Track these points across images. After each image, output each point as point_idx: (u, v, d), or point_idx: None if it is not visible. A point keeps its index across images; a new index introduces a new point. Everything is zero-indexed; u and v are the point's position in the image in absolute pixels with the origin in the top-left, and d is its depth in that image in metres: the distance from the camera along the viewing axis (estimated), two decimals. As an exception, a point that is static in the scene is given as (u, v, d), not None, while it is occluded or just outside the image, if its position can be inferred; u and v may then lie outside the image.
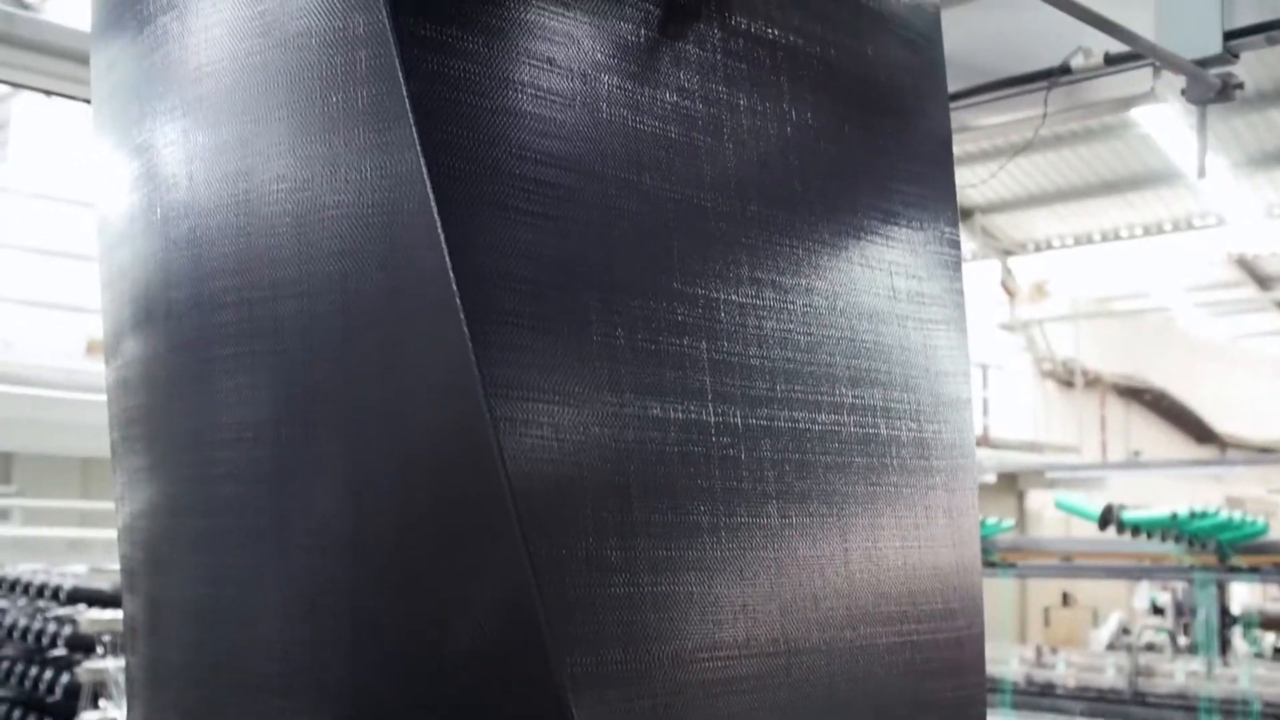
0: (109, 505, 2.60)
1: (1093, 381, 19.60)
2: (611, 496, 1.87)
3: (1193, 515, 8.66)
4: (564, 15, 1.98)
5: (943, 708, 2.35)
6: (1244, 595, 14.37)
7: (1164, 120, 12.57)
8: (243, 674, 2.10)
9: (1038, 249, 17.83)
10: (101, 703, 6.15)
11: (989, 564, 9.41)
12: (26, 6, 10.59)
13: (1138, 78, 4.29)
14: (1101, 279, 19.48)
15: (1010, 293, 18.29)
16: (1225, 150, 13.70)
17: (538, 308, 1.84)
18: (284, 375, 2.00)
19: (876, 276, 2.36)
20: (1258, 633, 11.74)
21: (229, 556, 2.10)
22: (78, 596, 6.71)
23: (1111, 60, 4.17)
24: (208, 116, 2.09)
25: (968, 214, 16.29)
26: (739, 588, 2.01)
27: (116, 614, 6.31)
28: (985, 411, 16.79)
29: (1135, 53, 3.91)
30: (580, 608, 1.80)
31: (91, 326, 9.89)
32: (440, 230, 1.77)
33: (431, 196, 1.78)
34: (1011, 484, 17.35)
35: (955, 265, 2.53)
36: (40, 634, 6.46)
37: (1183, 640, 12.28)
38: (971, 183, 11.48)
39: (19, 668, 6.48)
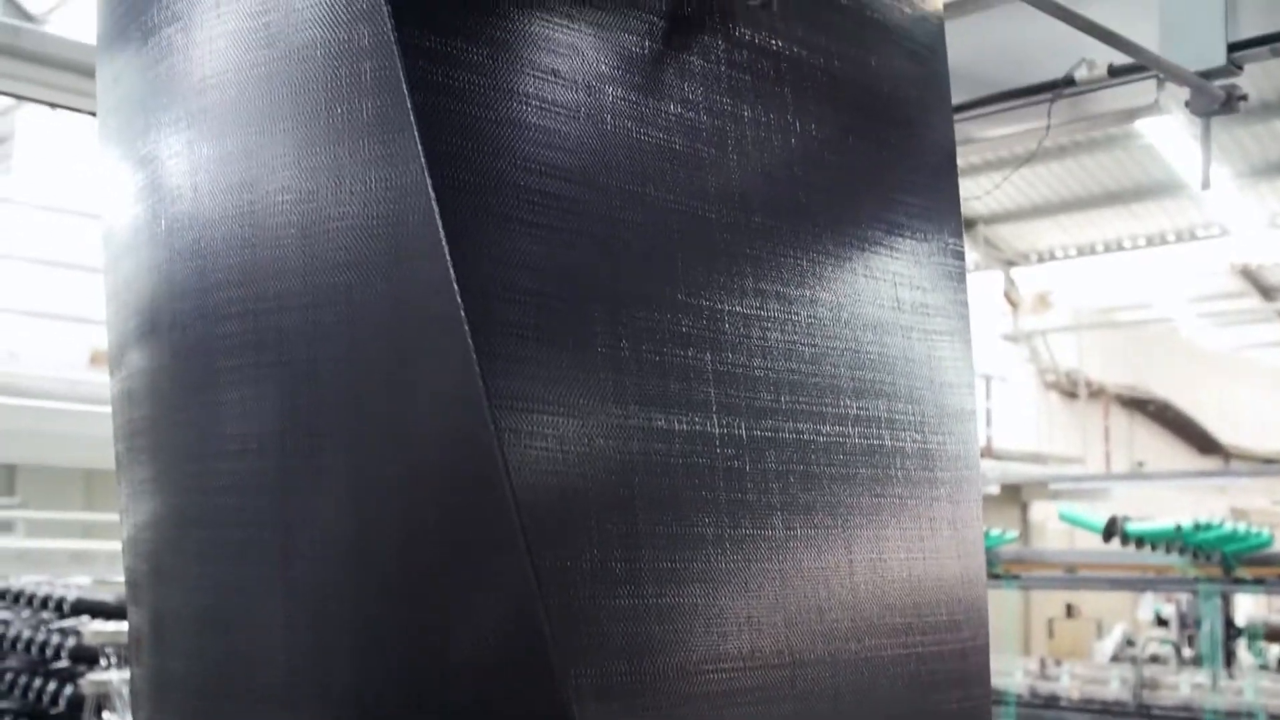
0: (113, 517, 2.60)
1: (1096, 392, 19.59)
2: (616, 508, 1.87)
3: (1197, 527, 8.65)
4: (568, 27, 1.98)
5: (948, 719, 2.34)
6: (1249, 607, 14.33)
7: (1167, 131, 12.56)
8: (247, 685, 2.09)
9: (1041, 260, 17.82)
10: (105, 715, 6.14)
11: (992, 576, 9.40)
12: (31, 19, 10.62)
13: (1142, 89, 4.29)
14: (1105, 290, 19.46)
15: (1013, 303, 18.27)
16: (1229, 160, 13.69)
17: (542, 319, 1.84)
18: (288, 387, 2.00)
19: (881, 288, 2.36)
20: (1263, 644, 11.72)
21: (233, 567, 2.10)
22: (81, 608, 6.70)
23: (1115, 72, 4.17)
24: (213, 128, 2.10)
25: (970, 224, 16.28)
26: (744, 599, 2.01)
27: (120, 626, 6.31)
28: (988, 423, 16.76)
29: (1139, 65, 3.91)
30: (585, 619, 1.80)
31: (95, 338, 9.88)
32: (444, 242, 1.77)
33: (436, 208, 1.78)
34: (1015, 495, 17.33)
35: (959, 276, 2.53)
36: (44, 646, 6.45)
37: (1187, 652, 12.26)
38: (975, 194, 11.48)
39: (22, 680, 6.47)
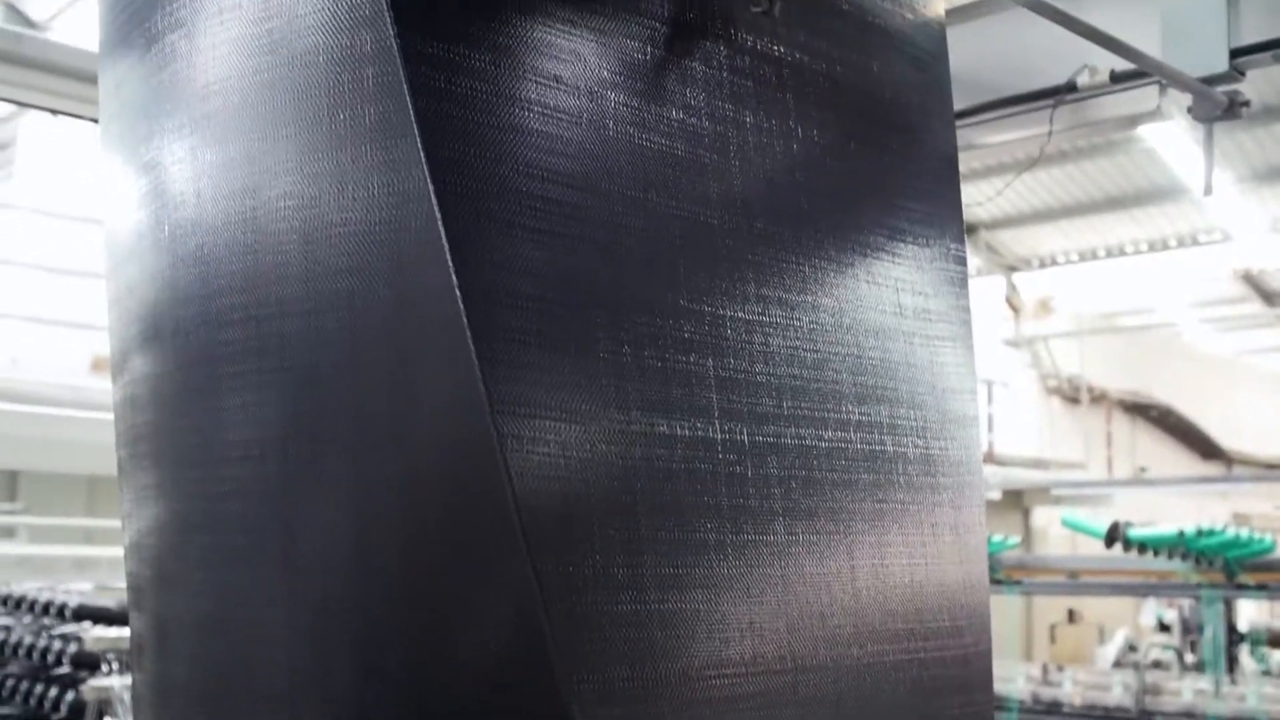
0: (115, 523, 2.60)
1: (1098, 398, 19.57)
2: (618, 514, 1.87)
3: (1200, 533, 8.64)
4: (571, 33, 1.98)
5: (950, 725, 2.34)
6: (1251, 612, 14.32)
7: (1169, 136, 12.56)
8: (249, 690, 2.09)
9: (1042, 265, 17.83)
10: (106, 720, 6.14)
11: (994, 581, 9.39)
12: (34, 26, 10.63)
13: (1144, 95, 4.28)
14: (1106, 295, 19.46)
15: (1015, 309, 18.27)
16: (1231, 165, 13.69)
17: (544, 325, 1.85)
18: (291, 392, 2.00)
19: (883, 293, 2.36)
20: (1265, 650, 11.70)
21: (236, 573, 2.10)
22: (83, 614, 6.70)
23: (1117, 78, 4.16)
24: (215, 134, 2.10)
25: (972, 229, 16.29)
26: (746, 605, 2.01)
27: (121, 632, 6.31)
28: (990, 428, 16.76)
29: (1141, 70, 3.91)
30: (587, 625, 1.80)
31: (98, 344, 9.89)
32: (446, 247, 1.77)
33: (438, 214, 1.78)
34: (1017, 501, 17.31)
35: (961, 282, 2.53)
36: (45, 651, 6.45)
37: (1190, 658, 12.24)
38: (978, 201, 11.47)
39: (24, 685, 6.47)
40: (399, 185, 1.84)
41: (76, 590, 7.43)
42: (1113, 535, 9.04)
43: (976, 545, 2.45)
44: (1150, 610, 15.26)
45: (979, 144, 4.76)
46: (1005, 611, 10.12)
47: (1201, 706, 8.86)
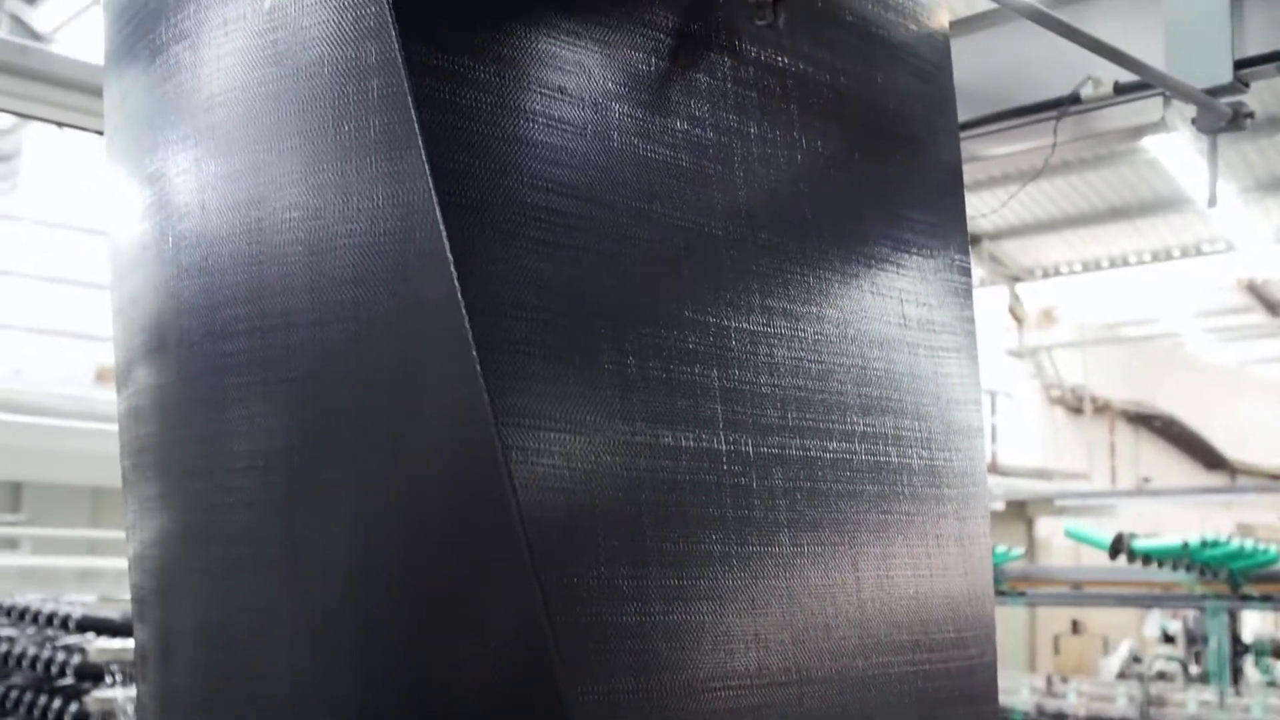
0: (119, 534, 2.60)
1: (1101, 408, 19.56)
2: (623, 525, 1.87)
3: (1204, 544, 8.63)
4: (575, 44, 1.98)
5: (955, 737, 2.34)
6: (1256, 624, 14.30)
7: (1173, 146, 12.55)
8: (253, 700, 2.09)
9: (1046, 275, 17.82)
10: (110, 731, 6.13)
11: (998, 592, 9.37)
12: (39, 38, 10.66)
13: (1148, 107, 4.29)
14: (1110, 305, 19.45)
15: (1018, 319, 18.27)
16: (1235, 175, 13.68)
17: (549, 336, 1.84)
18: (296, 403, 2.00)
19: (887, 304, 2.36)
20: (1270, 661, 11.68)
21: (241, 584, 2.10)
22: (87, 625, 6.70)
23: (1121, 89, 4.17)
24: (220, 145, 2.10)
25: (975, 240, 16.28)
26: (751, 616, 2.00)
27: (126, 643, 6.30)
28: (993, 439, 16.74)
29: (1145, 82, 3.91)
30: (591, 636, 1.80)
31: (102, 354, 9.90)
32: (451, 259, 1.77)
33: (442, 225, 1.78)
34: (1020, 512, 17.29)
35: (966, 293, 2.53)
36: (49, 663, 6.44)
37: (1194, 669, 12.21)
38: (982, 212, 11.48)
39: (28, 696, 6.46)
40: (404, 197, 1.84)
41: (80, 601, 7.42)
42: (1117, 546, 9.03)
43: (981, 556, 2.45)
44: (1154, 621, 15.24)
45: (983, 156, 4.76)
46: (1009, 622, 10.11)
47: (1206, 718, 8.84)
